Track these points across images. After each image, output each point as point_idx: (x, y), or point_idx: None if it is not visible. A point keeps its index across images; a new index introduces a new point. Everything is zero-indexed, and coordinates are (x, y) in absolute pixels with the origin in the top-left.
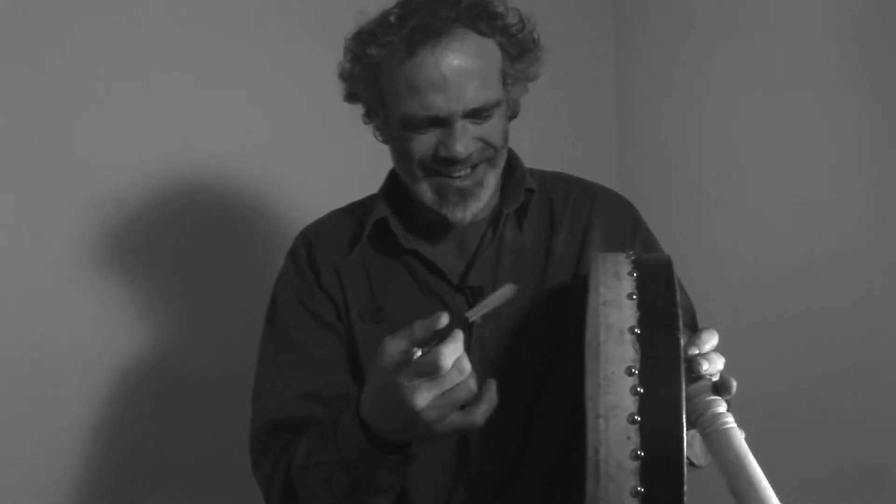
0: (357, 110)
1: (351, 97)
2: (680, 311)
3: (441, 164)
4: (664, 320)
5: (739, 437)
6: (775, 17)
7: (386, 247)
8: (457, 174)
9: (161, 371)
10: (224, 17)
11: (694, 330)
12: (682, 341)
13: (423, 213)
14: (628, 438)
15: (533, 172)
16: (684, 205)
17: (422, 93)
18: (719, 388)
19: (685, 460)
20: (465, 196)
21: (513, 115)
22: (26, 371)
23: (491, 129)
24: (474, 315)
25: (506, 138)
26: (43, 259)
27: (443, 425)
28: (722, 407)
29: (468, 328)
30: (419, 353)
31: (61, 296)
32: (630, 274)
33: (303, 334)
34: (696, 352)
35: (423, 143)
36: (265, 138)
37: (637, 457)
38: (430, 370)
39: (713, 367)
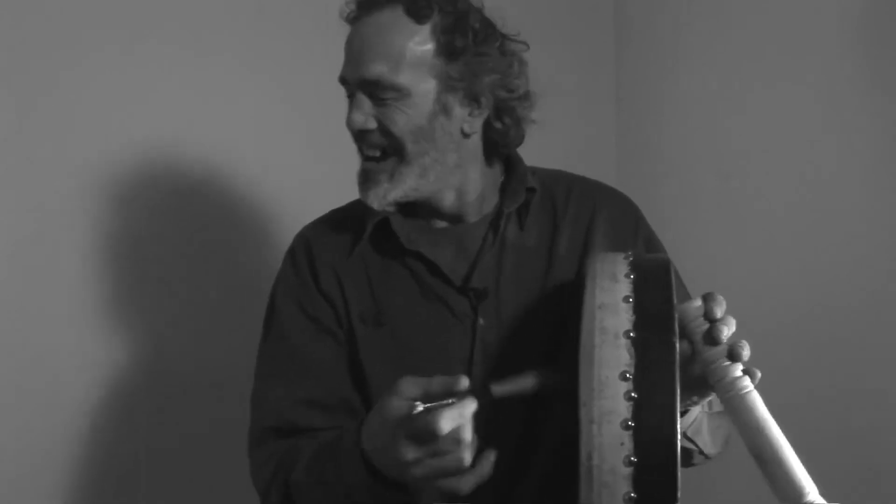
0: None
1: None
2: (676, 315)
3: (354, 138)
4: (660, 324)
5: (759, 400)
6: (775, 18)
7: (387, 247)
8: (365, 153)
9: (161, 371)
10: (225, 16)
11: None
12: (678, 345)
13: (422, 213)
14: (622, 444)
15: (534, 171)
16: (684, 205)
17: (345, 58)
18: (733, 353)
19: (679, 465)
20: (367, 178)
21: (499, 143)
22: (26, 371)
23: (390, 115)
24: (498, 391)
25: (417, 135)
26: (43, 259)
27: (428, 482)
28: (739, 371)
29: (487, 398)
30: (421, 407)
31: (61, 296)
32: (627, 276)
33: (301, 339)
34: (720, 315)
35: (347, 113)
36: (265, 137)
37: (630, 463)
38: (426, 431)
39: (730, 330)
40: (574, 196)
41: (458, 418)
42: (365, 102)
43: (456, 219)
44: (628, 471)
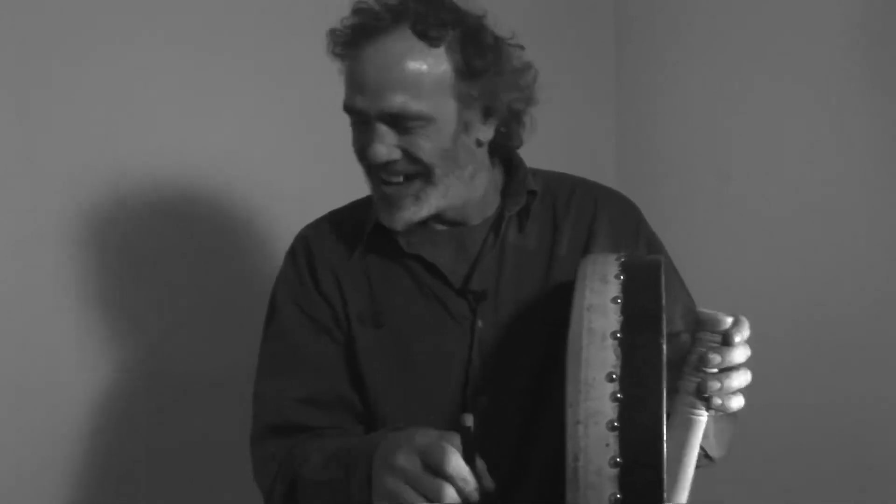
0: None
1: None
2: (665, 316)
3: (371, 167)
4: (647, 326)
5: (700, 430)
6: (775, 18)
7: (386, 249)
8: (386, 179)
9: (161, 372)
10: (224, 19)
11: (694, 330)
12: (665, 346)
13: None
14: (607, 445)
15: (535, 173)
16: (684, 205)
17: (352, 87)
18: (699, 388)
19: (665, 467)
20: (390, 203)
21: (503, 145)
22: (26, 371)
23: (416, 142)
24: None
25: (445, 157)
26: (43, 259)
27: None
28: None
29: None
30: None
31: (61, 296)
32: (617, 277)
33: (301, 338)
34: (736, 342)
35: (358, 139)
36: (265, 138)
37: (616, 464)
38: (433, 453)
39: (733, 383)
40: (575, 198)
41: (461, 479)
42: (387, 133)
43: (459, 222)
44: (614, 472)
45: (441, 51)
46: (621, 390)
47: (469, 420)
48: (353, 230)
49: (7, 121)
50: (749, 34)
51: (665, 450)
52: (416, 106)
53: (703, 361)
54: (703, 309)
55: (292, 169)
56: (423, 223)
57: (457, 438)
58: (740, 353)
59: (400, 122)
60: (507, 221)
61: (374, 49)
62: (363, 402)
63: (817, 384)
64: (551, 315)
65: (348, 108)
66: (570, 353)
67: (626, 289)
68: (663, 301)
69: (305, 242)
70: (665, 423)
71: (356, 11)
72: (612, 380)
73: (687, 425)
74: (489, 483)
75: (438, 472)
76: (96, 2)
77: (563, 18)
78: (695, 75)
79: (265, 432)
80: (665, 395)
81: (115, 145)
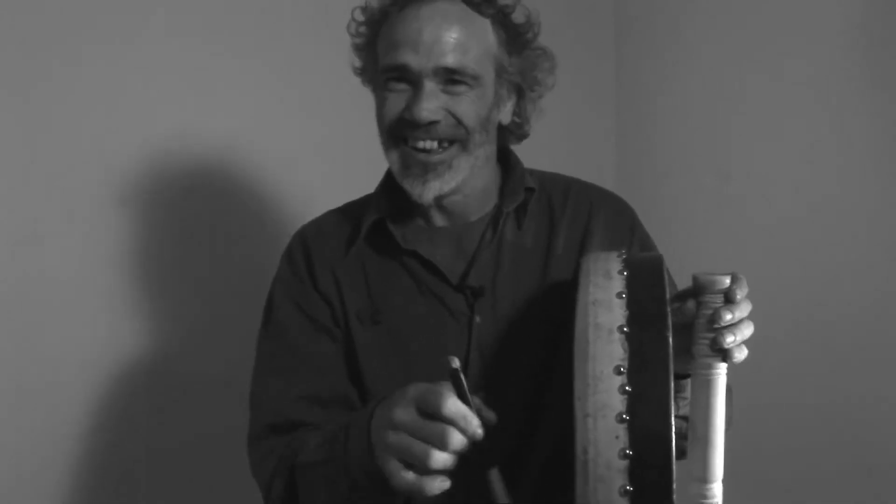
0: (356, 110)
1: (359, 70)
2: (669, 310)
3: (407, 128)
4: (653, 319)
5: (723, 386)
6: (775, 17)
7: (384, 247)
8: (422, 144)
9: (161, 371)
10: (225, 15)
11: (696, 294)
12: (671, 339)
13: (421, 212)
14: (617, 437)
15: (532, 172)
16: (684, 205)
17: (399, 45)
18: (716, 342)
19: (674, 458)
20: (426, 170)
21: (519, 136)
22: (26, 371)
23: (463, 104)
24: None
25: (483, 126)
26: (42, 259)
27: (397, 476)
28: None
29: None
30: (456, 363)
31: (61, 296)
32: (620, 273)
33: (299, 337)
34: (739, 298)
35: (395, 102)
36: (264, 138)
37: (626, 456)
38: (430, 400)
39: (738, 337)
40: (571, 198)
41: (461, 418)
42: (435, 93)
43: (458, 217)
44: (623, 464)
45: (487, 21)
46: (629, 383)
47: (455, 362)
48: (351, 229)
49: (8, 120)
50: (749, 34)
51: (674, 444)
52: (472, 65)
53: (715, 319)
54: (701, 273)
55: (292, 168)
56: (423, 219)
57: (447, 383)
58: (745, 307)
59: (453, 79)
60: (505, 218)
61: (429, 9)
62: (362, 399)
63: (817, 384)
64: (549, 312)
65: (394, 66)
66: (576, 347)
67: (630, 284)
68: (668, 295)
69: (303, 241)
70: (673, 416)
71: None
72: (619, 373)
73: (709, 385)
74: (490, 415)
75: (437, 416)
76: (97, 1)
77: (563, 18)
78: (695, 75)
79: (263, 431)
80: (673, 388)
81: (114, 145)
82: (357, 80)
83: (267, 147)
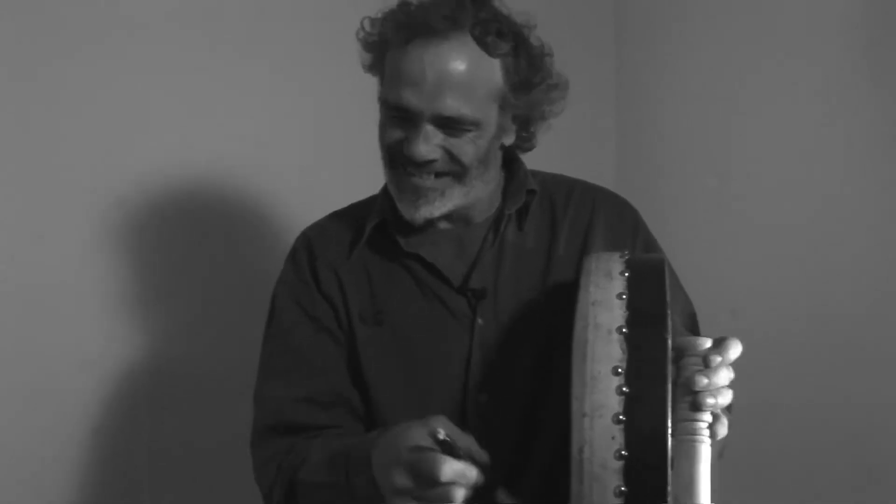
0: (357, 112)
1: (370, 68)
2: (669, 312)
3: (403, 159)
4: (653, 321)
5: (706, 453)
6: (776, 17)
7: (386, 249)
8: (416, 181)
9: (161, 371)
10: (225, 17)
11: (675, 358)
12: (670, 341)
13: None
14: (613, 438)
15: (534, 174)
16: (683, 206)
17: (400, 83)
18: (696, 403)
19: (669, 460)
20: (418, 195)
21: (519, 147)
22: (26, 371)
23: (461, 145)
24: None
25: (482, 161)
26: (43, 259)
27: None
28: (703, 418)
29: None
30: (442, 435)
31: (61, 296)
32: (622, 274)
33: (302, 338)
34: (713, 365)
35: (394, 132)
36: (266, 139)
37: (621, 456)
38: (426, 469)
39: (717, 401)
40: (574, 199)
41: (460, 476)
42: (433, 134)
43: (461, 220)
44: (619, 464)
45: (497, 60)
46: (627, 384)
47: (441, 434)
48: (354, 231)
49: (9, 121)
50: (749, 34)
51: (670, 444)
52: (470, 112)
53: (689, 384)
54: (680, 335)
55: (295, 170)
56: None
57: (439, 421)
58: (723, 375)
59: (450, 125)
60: (507, 220)
61: (435, 49)
62: (364, 401)
63: (817, 384)
64: (551, 313)
65: (394, 104)
66: (575, 347)
67: (631, 285)
68: (668, 297)
69: (307, 243)
70: (670, 417)
71: (409, 6)
72: (617, 373)
73: (693, 452)
74: (483, 457)
75: (437, 484)
76: (98, 5)
77: (563, 18)
78: (695, 75)
79: (266, 433)
80: (670, 388)
81: (117, 147)
82: (360, 85)
83: (269, 148)
